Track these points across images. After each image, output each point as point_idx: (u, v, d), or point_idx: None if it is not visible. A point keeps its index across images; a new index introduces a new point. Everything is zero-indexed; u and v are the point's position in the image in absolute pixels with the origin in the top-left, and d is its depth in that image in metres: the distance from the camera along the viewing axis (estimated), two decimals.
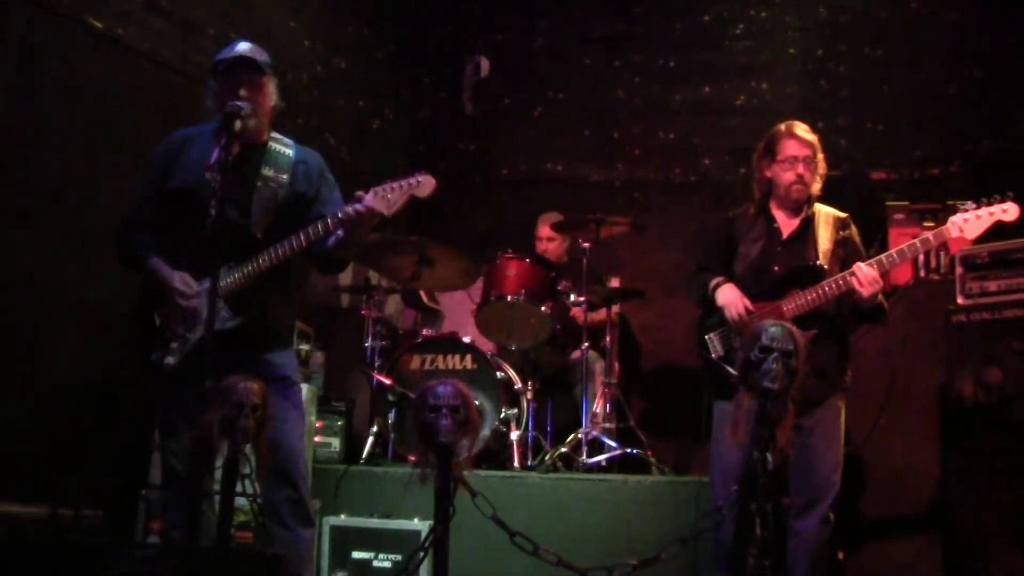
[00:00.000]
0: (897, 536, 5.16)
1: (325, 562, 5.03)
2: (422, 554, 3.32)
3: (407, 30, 8.71)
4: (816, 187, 4.65)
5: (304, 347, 6.11)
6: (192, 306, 3.77)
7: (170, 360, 3.80)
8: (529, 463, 5.83)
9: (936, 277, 5.63)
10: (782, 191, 4.63)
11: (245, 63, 3.86)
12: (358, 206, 3.76)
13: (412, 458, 5.56)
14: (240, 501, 3.51)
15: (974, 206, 4.30)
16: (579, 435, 5.90)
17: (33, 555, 2.93)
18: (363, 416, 6.27)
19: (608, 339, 6.52)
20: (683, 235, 7.76)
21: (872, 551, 5.20)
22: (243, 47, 3.93)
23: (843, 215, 4.69)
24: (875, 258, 4.37)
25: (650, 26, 8.25)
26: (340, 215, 3.77)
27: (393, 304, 7.20)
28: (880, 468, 5.23)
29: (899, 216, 6.36)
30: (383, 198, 3.77)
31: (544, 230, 6.98)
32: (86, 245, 5.08)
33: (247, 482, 3.40)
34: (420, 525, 4.97)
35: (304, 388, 5.01)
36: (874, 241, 5.92)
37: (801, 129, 4.63)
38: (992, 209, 4.27)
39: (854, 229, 4.68)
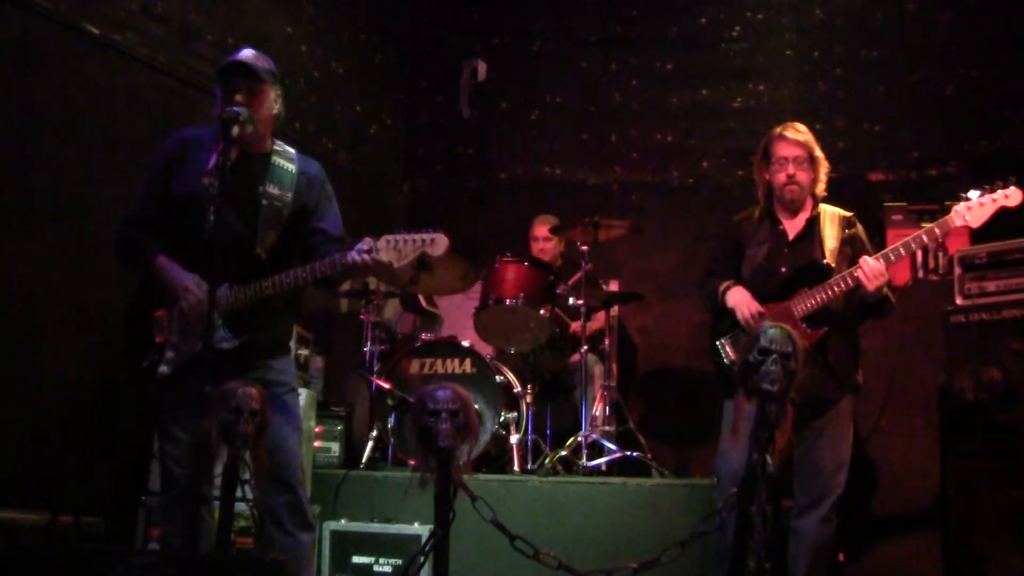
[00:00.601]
0: (896, 536, 5.17)
1: (326, 567, 5.03)
2: (422, 558, 3.32)
3: (404, 35, 8.72)
4: (820, 187, 4.67)
5: (303, 352, 6.10)
6: (198, 310, 3.72)
7: (164, 369, 3.78)
8: (529, 467, 5.82)
9: (935, 278, 5.65)
10: (777, 192, 4.66)
11: (241, 69, 3.86)
12: (367, 257, 3.71)
13: (412, 462, 5.56)
14: (240, 506, 3.51)
15: (978, 194, 4.30)
16: (579, 438, 5.89)
17: (33, 562, 2.93)
18: (363, 421, 6.26)
19: (607, 342, 6.53)
20: (681, 238, 7.79)
21: (871, 551, 5.21)
22: (244, 54, 3.93)
23: (848, 214, 4.71)
24: (881, 252, 4.37)
25: (647, 29, 8.26)
26: (348, 261, 3.74)
27: (392, 308, 7.19)
28: (879, 468, 5.25)
29: (897, 217, 6.38)
30: (395, 249, 3.71)
31: (541, 230, 6.98)
32: (84, 250, 5.08)
33: (247, 487, 3.40)
34: (420, 529, 4.97)
35: (303, 393, 5.02)
36: (871, 242, 5.92)
37: (792, 130, 4.65)
38: (995, 196, 4.27)
39: (860, 227, 4.69)
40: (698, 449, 7.13)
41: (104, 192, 5.15)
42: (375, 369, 6.17)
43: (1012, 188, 4.27)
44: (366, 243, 3.74)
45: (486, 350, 6.41)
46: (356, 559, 5.04)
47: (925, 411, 5.07)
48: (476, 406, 3.41)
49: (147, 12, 5.77)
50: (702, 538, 3.44)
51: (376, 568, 5.01)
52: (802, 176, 4.61)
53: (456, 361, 5.98)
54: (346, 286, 6.25)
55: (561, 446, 6.01)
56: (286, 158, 4.02)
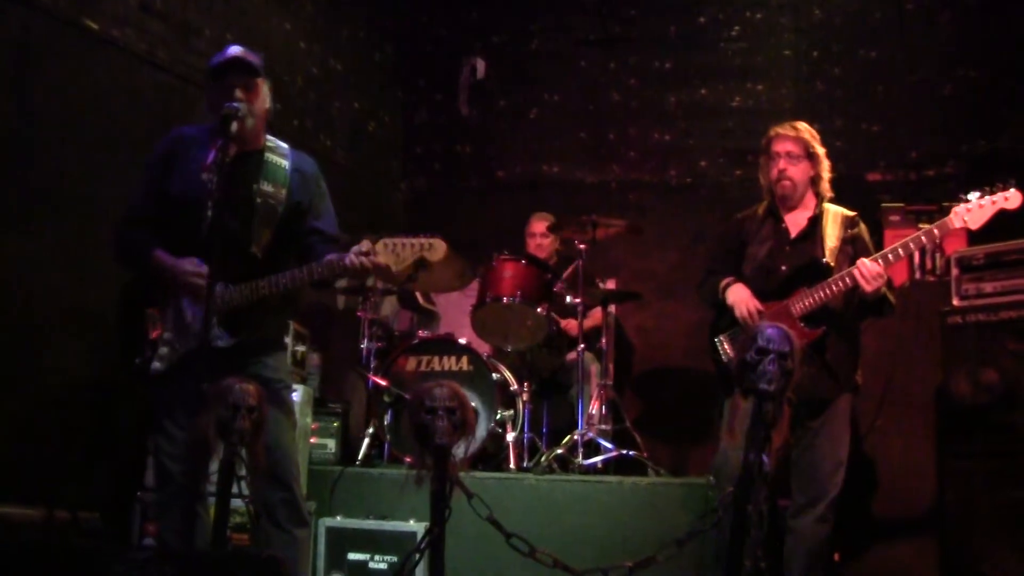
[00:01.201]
0: (894, 537, 5.17)
1: (321, 563, 5.03)
2: (418, 556, 3.32)
3: (403, 32, 8.72)
4: (824, 185, 4.68)
5: (300, 349, 6.10)
6: (201, 285, 3.68)
7: (157, 365, 3.78)
8: (525, 465, 5.82)
9: (932, 279, 5.65)
10: (772, 188, 4.68)
11: (239, 65, 3.85)
12: (365, 260, 3.72)
13: (408, 459, 5.56)
14: (235, 503, 3.50)
15: (977, 196, 4.29)
16: (575, 437, 5.90)
17: (29, 557, 2.93)
18: (359, 418, 6.26)
19: (604, 341, 6.53)
20: (679, 237, 7.79)
21: (869, 552, 5.21)
22: (235, 50, 3.92)
23: (852, 214, 4.71)
24: (880, 253, 4.37)
25: (646, 28, 8.26)
26: (347, 263, 3.74)
27: (389, 306, 7.19)
28: (876, 469, 5.24)
29: (895, 217, 6.38)
30: (393, 253, 3.72)
31: (538, 227, 6.98)
32: (82, 247, 5.07)
33: (242, 484, 3.40)
34: (416, 527, 4.97)
35: (300, 390, 5.03)
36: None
37: (786, 127, 4.69)
38: (995, 198, 4.26)
39: (863, 227, 4.69)
40: (694, 448, 7.14)
41: (103, 188, 5.14)
42: (372, 366, 6.17)
43: (1012, 190, 4.26)
44: (364, 245, 3.74)
45: (483, 348, 6.41)
46: (352, 556, 5.04)
47: (922, 412, 5.07)
48: (473, 404, 3.41)
49: (145, 9, 5.76)
50: (698, 537, 3.44)
51: (371, 565, 5.01)
52: (793, 172, 4.63)
53: (453, 359, 5.98)
54: (343, 283, 6.25)
55: (557, 444, 6.01)
56: (279, 154, 4.01)
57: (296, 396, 4.26)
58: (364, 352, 6.28)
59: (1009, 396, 4.69)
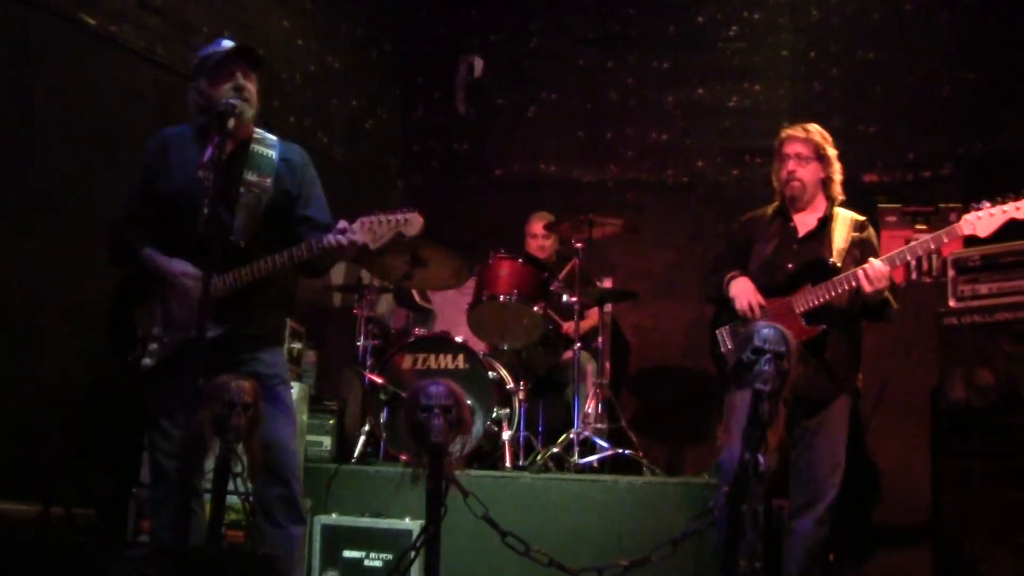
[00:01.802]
0: (889, 538, 5.18)
1: (316, 561, 5.03)
2: (413, 554, 3.32)
3: (401, 30, 8.70)
4: (835, 188, 4.69)
5: (296, 346, 6.10)
6: (193, 288, 3.70)
7: (147, 361, 3.78)
8: (521, 463, 5.82)
9: (928, 280, 5.64)
10: (782, 189, 4.69)
11: (244, 52, 3.85)
12: (342, 238, 3.72)
13: (404, 458, 5.55)
14: (231, 500, 3.50)
15: (988, 204, 4.29)
16: (571, 435, 5.90)
17: (24, 554, 2.93)
18: (355, 415, 6.25)
19: (600, 340, 6.53)
20: (676, 236, 7.79)
21: (864, 553, 5.21)
22: (228, 43, 3.92)
23: (861, 218, 4.72)
24: (887, 255, 4.37)
25: (644, 28, 8.25)
26: (324, 243, 3.74)
27: (385, 303, 7.19)
28: (872, 470, 5.24)
29: (891, 218, 6.37)
30: (370, 230, 3.74)
31: (537, 227, 6.97)
32: (79, 244, 5.07)
33: (239, 481, 3.40)
34: (411, 525, 4.97)
35: (296, 387, 5.02)
36: None
37: (796, 129, 4.71)
38: (1006, 207, 4.24)
39: (872, 231, 4.71)
40: (690, 447, 7.15)
41: (102, 185, 5.14)
42: (368, 364, 6.16)
43: (1023, 200, 4.26)
44: (342, 224, 3.75)
45: (479, 346, 6.41)
46: (347, 553, 5.04)
47: (918, 413, 5.07)
48: (469, 402, 3.41)
49: (144, 5, 5.75)
50: (693, 536, 3.44)
51: (367, 563, 5.01)
52: (803, 173, 4.64)
53: (449, 357, 5.98)
54: (339, 280, 6.25)
55: (553, 443, 6.02)
56: (266, 145, 3.99)
57: (292, 393, 4.25)
58: (360, 350, 6.28)
59: (1005, 397, 4.69)
